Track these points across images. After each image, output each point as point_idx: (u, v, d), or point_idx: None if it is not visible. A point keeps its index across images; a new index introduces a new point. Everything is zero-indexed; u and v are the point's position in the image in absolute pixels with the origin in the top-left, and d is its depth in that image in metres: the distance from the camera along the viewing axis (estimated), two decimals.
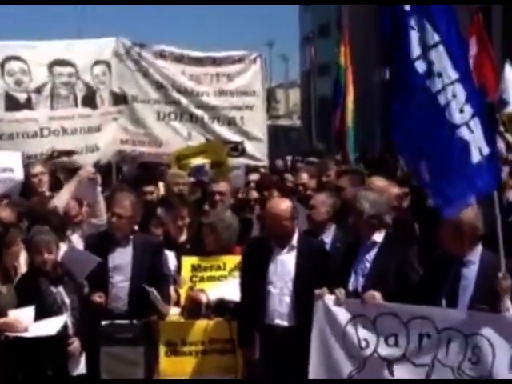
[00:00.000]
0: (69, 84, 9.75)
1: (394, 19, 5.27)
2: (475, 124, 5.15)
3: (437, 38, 5.18)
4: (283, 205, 6.29)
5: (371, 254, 5.89)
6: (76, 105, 9.78)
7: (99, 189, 7.39)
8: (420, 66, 5.16)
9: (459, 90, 5.15)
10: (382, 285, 5.58)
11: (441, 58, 5.16)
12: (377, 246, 5.91)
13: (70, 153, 9.56)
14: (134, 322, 6.42)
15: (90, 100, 9.87)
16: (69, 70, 9.76)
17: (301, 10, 65.72)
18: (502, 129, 7.07)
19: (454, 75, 5.15)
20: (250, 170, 10.30)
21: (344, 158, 11.41)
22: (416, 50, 5.18)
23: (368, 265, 5.86)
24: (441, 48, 5.17)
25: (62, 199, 7.16)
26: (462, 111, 5.15)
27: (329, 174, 8.69)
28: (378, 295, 5.46)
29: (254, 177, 9.19)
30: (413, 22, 5.19)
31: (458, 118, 5.14)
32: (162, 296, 6.48)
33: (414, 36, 5.18)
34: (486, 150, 5.15)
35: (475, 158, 5.13)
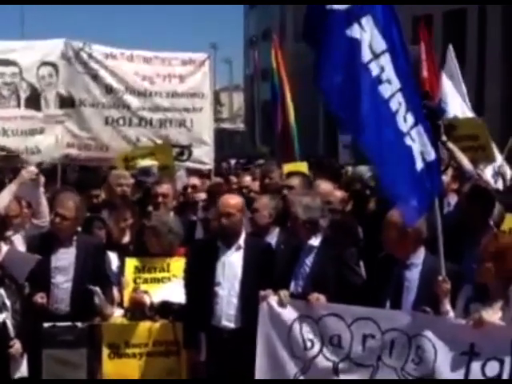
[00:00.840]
0: (12, 84, 9.61)
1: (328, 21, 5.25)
2: (417, 132, 5.23)
3: (384, 45, 5.23)
4: (235, 199, 6.38)
5: (310, 258, 5.95)
6: (19, 105, 9.65)
7: (42, 190, 7.30)
8: (374, 70, 5.18)
9: (402, 99, 5.22)
10: (321, 288, 5.62)
11: (389, 65, 5.23)
12: (314, 249, 5.97)
13: (8, 153, 9.43)
14: (77, 323, 6.35)
15: (33, 101, 9.74)
16: (12, 69, 9.62)
17: (245, 14, 65.90)
18: (444, 138, 7.20)
19: (397, 84, 5.22)
20: (190, 172, 10.30)
21: (289, 157, 11.47)
22: (367, 54, 5.20)
23: (307, 269, 5.92)
24: (388, 55, 5.23)
25: (2, 200, 7.05)
26: (405, 120, 5.22)
27: (272, 177, 8.74)
28: (322, 297, 5.51)
29: (195, 181, 9.18)
30: (363, 24, 5.21)
31: (403, 125, 5.22)
32: (106, 297, 6.45)
33: (365, 40, 5.19)
34: (431, 157, 5.25)
35: (418, 165, 5.21)
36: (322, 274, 5.82)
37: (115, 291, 6.66)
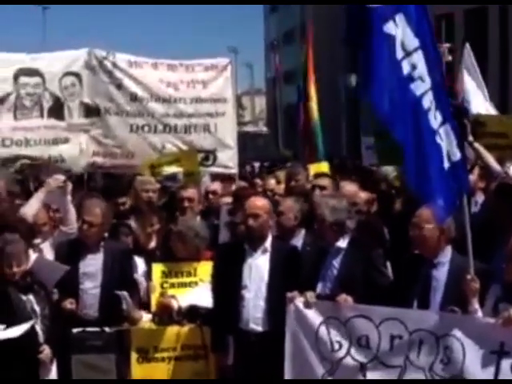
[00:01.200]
0: (34, 95, 9.72)
1: (366, 20, 5.30)
2: (445, 131, 5.23)
3: (417, 43, 5.24)
4: (262, 201, 6.40)
5: (337, 260, 5.95)
6: (42, 116, 9.76)
7: (69, 197, 7.36)
8: (405, 68, 5.17)
9: (432, 97, 5.22)
10: (349, 290, 5.62)
11: (421, 63, 5.22)
12: (342, 251, 5.97)
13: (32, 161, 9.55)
14: (106, 329, 6.39)
15: (56, 111, 9.84)
16: (35, 80, 9.73)
17: (265, 17, 65.97)
18: (471, 138, 7.15)
19: (429, 82, 5.22)
20: (214, 177, 10.34)
21: (312, 158, 11.47)
22: (400, 52, 5.19)
23: (335, 271, 5.92)
24: (420, 53, 5.24)
25: (31, 207, 7.12)
26: (435, 118, 5.23)
27: (298, 179, 8.75)
28: (349, 298, 5.51)
29: (215, 186, 9.21)
30: (397, 21, 5.22)
31: (434, 123, 5.22)
32: (133, 302, 6.49)
33: (398, 37, 5.19)
34: (456, 157, 5.24)
35: (446, 164, 5.21)
36: (350, 276, 5.82)
37: (142, 295, 6.69)
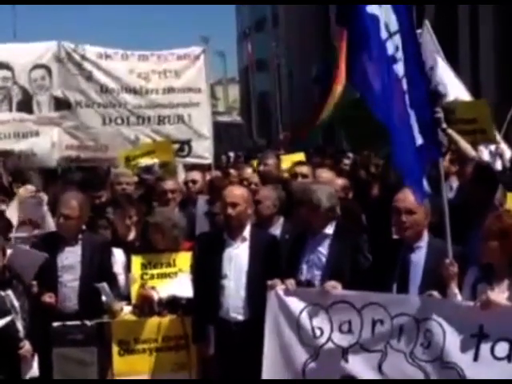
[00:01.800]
0: (4, 88, 9.66)
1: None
2: (413, 115, 5.28)
3: (396, 26, 5.25)
4: (240, 190, 6.43)
5: (324, 246, 5.96)
6: (11, 109, 9.69)
7: (45, 207, 7.31)
8: (389, 48, 5.20)
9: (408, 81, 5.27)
10: (338, 276, 5.65)
11: (400, 46, 5.24)
12: (329, 237, 5.98)
13: (7, 154, 9.49)
14: (86, 322, 6.37)
15: (26, 105, 9.78)
16: (5, 73, 9.66)
17: (237, 6, 65.78)
18: (444, 125, 7.19)
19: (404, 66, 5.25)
20: (188, 167, 10.31)
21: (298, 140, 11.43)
22: (384, 33, 5.20)
23: (322, 257, 5.93)
24: (399, 37, 5.25)
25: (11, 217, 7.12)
26: (410, 100, 5.25)
27: (267, 163, 8.76)
28: (338, 285, 5.52)
29: (195, 175, 9.20)
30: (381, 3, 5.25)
31: (408, 106, 5.25)
32: (113, 293, 6.47)
33: (382, 18, 5.20)
34: (418, 141, 5.28)
35: (418, 141, 5.24)
36: (340, 262, 5.85)
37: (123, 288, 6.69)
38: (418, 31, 11.12)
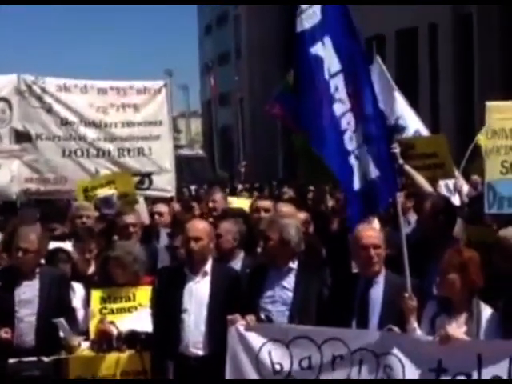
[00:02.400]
0: None
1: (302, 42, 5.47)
2: (363, 152, 5.39)
3: (339, 66, 5.39)
4: (203, 224, 6.40)
5: (288, 281, 5.95)
6: None
7: None
8: (332, 88, 5.38)
9: (352, 119, 5.40)
10: (305, 311, 5.69)
11: (342, 86, 5.37)
12: (292, 272, 5.98)
13: None
14: (43, 358, 6.26)
15: None
16: None
17: (200, 39, 66.19)
18: (401, 161, 7.28)
19: (348, 104, 5.40)
20: (153, 200, 10.27)
21: None
22: (327, 72, 5.40)
23: (287, 292, 5.92)
24: (341, 76, 5.39)
25: None
26: (351, 139, 5.42)
27: (214, 199, 8.79)
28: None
29: (161, 208, 9.16)
30: (325, 43, 5.39)
31: (349, 145, 5.38)
32: (71, 328, 6.38)
33: (326, 58, 5.41)
34: (372, 175, 5.36)
35: (356, 185, 5.41)
36: (307, 298, 5.85)
37: (81, 322, 6.60)
38: (372, 66, 11.27)
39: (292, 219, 6.31)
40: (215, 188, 10.25)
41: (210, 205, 8.70)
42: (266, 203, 7.91)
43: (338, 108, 5.38)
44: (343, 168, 5.42)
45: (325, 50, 5.41)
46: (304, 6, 5.47)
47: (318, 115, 5.37)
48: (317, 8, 5.47)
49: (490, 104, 7.20)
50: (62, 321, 6.27)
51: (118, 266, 6.61)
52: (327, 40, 5.44)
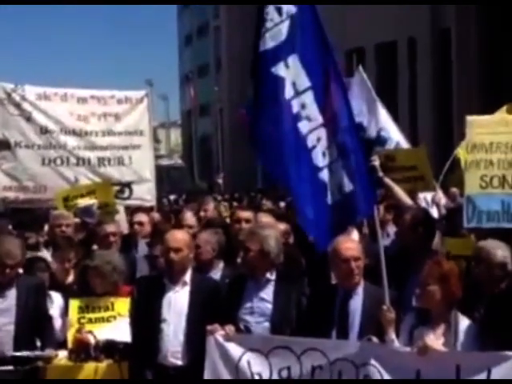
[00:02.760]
0: None
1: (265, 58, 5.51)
2: (337, 167, 5.44)
3: (308, 83, 5.42)
4: (183, 234, 6.38)
5: (267, 292, 5.95)
6: None
7: None
8: (294, 107, 5.38)
9: (324, 134, 5.41)
10: (285, 322, 5.70)
11: (311, 103, 5.40)
12: (271, 283, 5.99)
13: None
14: (20, 367, 6.21)
15: None
16: None
17: (180, 50, 66.21)
18: (380, 173, 7.33)
19: (320, 120, 5.43)
20: (133, 210, 10.24)
21: None
22: (290, 92, 5.39)
23: (266, 303, 5.92)
24: (311, 93, 5.42)
25: None
26: (324, 154, 5.44)
27: (206, 209, 8.79)
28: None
29: (141, 217, 9.14)
30: (289, 63, 5.43)
31: (320, 160, 5.40)
32: (47, 338, 6.35)
33: (289, 78, 5.39)
34: (347, 188, 5.39)
35: (329, 200, 5.45)
36: (287, 309, 5.85)
37: (58, 332, 6.56)
38: (354, 78, 11.32)
39: (272, 230, 6.32)
40: (207, 198, 10.20)
41: (202, 214, 8.71)
42: (246, 214, 7.92)
43: (303, 126, 5.41)
44: (312, 184, 5.43)
45: (287, 70, 5.44)
46: (269, 25, 5.50)
47: (275, 134, 5.41)
48: (283, 26, 5.49)
49: (470, 118, 7.27)
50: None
51: (97, 275, 6.59)
52: (293, 58, 5.47)
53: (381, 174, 7.28)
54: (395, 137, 10.95)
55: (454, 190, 11.72)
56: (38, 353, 6.25)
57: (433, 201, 9.61)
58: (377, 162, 6.68)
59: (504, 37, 27.95)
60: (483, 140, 6.98)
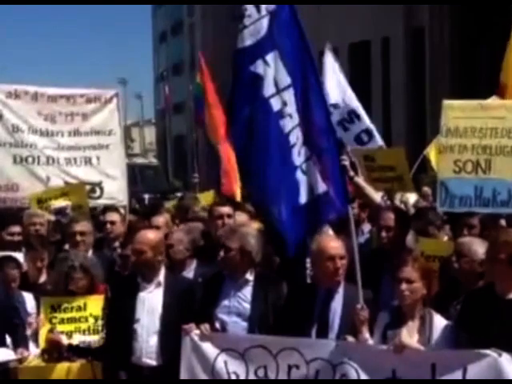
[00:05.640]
0: None
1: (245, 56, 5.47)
2: (310, 166, 5.40)
3: (288, 80, 5.37)
4: (150, 236, 6.27)
5: (245, 292, 5.92)
6: None
7: None
8: (275, 104, 5.31)
9: (300, 133, 5.40)
10: (263, 323, 5.69)
11: (291, 101, 5.36)
12: (249, 283, 5.95)
13: None
14: None
15: None
16: None
17: (155, 48, 66.00)
18: (351, 173, 7.34)
19: (297, 118, 5.39)
20: (105, 209, 10.16)
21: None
22: (270, 89, 5.33)
23: (243, 303, 5.88)
24: (291, 90, 5.38)
25: None
26: (299, 154, 5.42)
27: (195, 210, 8.78)
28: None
29: (113, 216, 9.04)
30: (268, 60, 5.38)
31: (296, 159, 5.39)
32: (19, 339, 6.27)
33: (269, 75, 5.34)
34: (319, 190, 5.36)
35: (302, 199, 5.42)
36: (265, 309, 5.81)
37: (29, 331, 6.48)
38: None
39: (251, 228, 6.28)
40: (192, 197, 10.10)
41: (191, 214, 8.67)
42: (226, 209, 7.83)
43: (286, 123, 5.38)
44: (287, 183, 5.40)
45: (267, 67, 5.40)
46: (247, 22, 5.45)
47: (250, 133, 5.37)
48: (262, 23, 5.44)
49: (446, 102, 7.25)
50: None
51: (78, 273, 6.50)
52: (273, 55, 5.42)
53: (351, 173, 7.30)
54: (376, 138, 10.93)
55: (426, 189, 11.78)
56: (10, 355, 6.15)
57: (400, 200, 9.64)
58: (347, 162, 6.67)
59: (477, 36, 28.14)
60: (457, 124, 6.98)
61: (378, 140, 10.86)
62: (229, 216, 7.57)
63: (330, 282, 5.62)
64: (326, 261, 5.58)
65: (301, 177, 5.40)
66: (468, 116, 7.01)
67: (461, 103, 7.43)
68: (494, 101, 8.46)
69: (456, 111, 7.07)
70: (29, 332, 6.50)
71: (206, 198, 10.87)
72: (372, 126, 11.00)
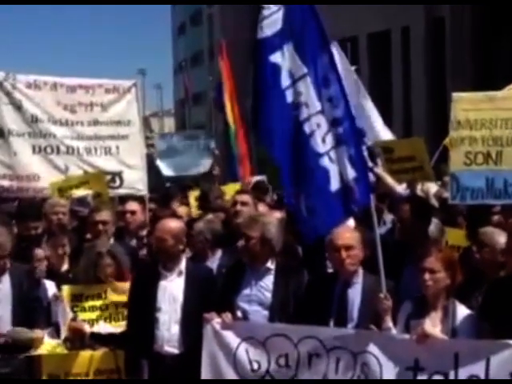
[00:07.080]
0: None
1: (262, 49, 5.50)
2: (339, 153, 5.39)
3: (304, 69, 5.41)
4: (171, 224, 6.26)
5: (266, 281, 5.92)
6: None
7: None
8: (289, 96, 5.36)
9: (323, 121, 5.37)
10: (284, 312, 5.68)
11: (308, 89, 5.37)
12: (270, 272, 5.96)
13: None
14: (15, 355, 6.18)
15: None
16: None
17: (174, 39, 66.10)
18: (370, 164, 7.31)
19: (318, 106, 5.38)
20: (125, 198, 10.20)
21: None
22: (285, 80, 5.37)
23: (264, 292, 5.89)
24: (308, 79, 5.39)
25: None
26: (324, 141, 5.39)
27: (221, 198, 8.81)
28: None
29: (133, 206, 9.07)
30: (285, 51, 5.41)
31: (320, 147, 5.36)
32: (38, 324, 6.31)
33: (285, 67, 5.37)
34: (349, 177, 5.36)
35: (333, 186, 5.39)
36: (286, 299, 5.82)
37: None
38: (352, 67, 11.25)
39: (272, 217, 6.28)
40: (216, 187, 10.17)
41: (219, 202, 8.73)
42: (244, 197, 7.84)
43: (302, 112, 5.39)
44: (315, 171, 5.40)
45: (284, 58, 5.43)
46: (266, 13, 5.47)
47: (275, 122, 5.40)
48: (279, 15, 5.46)
49: (455, 95, 7.25)
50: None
51: (109, 260, 6.52)
52: (288, 46, 5.45)
53: (370, 164, 7.29)
54: (379, 131, 10.83)
55: (447, 179, 11.67)
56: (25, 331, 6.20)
57: (421, 189, 9.60)
58: (365, 153, 6.66)
59: (497, 25, 27.98)
60: (467, 116, 6.98)
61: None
62: (242, 203, 7.57)
63: (340, 271, 5.64)
64: (332, 251, 5.62)
65: (328, 164, 5.38)
66: (477, 108, 7.00)
67: (469, 95, 7.42)
68: (501, 92, 8.40)
69: (465, 103, 7.07)
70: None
71: (230, 189, 10.90)
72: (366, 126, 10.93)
